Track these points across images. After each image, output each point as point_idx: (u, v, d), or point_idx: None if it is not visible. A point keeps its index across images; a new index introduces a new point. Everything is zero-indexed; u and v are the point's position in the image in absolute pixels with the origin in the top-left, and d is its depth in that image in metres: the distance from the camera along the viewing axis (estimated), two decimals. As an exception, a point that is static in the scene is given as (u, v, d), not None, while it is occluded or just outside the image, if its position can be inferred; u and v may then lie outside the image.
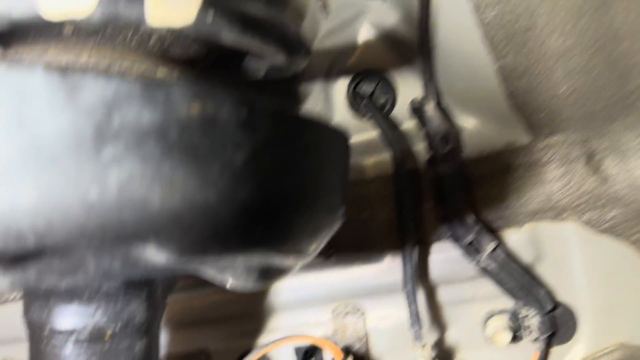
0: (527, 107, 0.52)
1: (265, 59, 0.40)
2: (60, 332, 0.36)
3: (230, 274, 0.37)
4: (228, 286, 0.39)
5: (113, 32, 0.36)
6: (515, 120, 0.55)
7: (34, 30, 0.30)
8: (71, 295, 0.37)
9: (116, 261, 0.30)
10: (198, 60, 0.45)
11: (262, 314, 0.62)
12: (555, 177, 0.55)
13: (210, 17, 0.28)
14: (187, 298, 0.61)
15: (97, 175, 0.23)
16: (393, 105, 0.60)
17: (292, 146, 0.30)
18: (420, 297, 0.58)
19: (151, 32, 0.37)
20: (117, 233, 0.25)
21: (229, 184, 0.27)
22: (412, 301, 0.55)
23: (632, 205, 0.52)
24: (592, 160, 0.53)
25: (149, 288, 0.40)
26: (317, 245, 0.37)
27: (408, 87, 0.60)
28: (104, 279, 0.35)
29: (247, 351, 0.57)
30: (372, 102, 0.60)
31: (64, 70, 0.23)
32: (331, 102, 0.62)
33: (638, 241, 0.53)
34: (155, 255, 0.27)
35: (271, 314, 0.62)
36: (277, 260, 0.35)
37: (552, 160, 0.55)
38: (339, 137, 0.36)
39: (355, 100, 0.61)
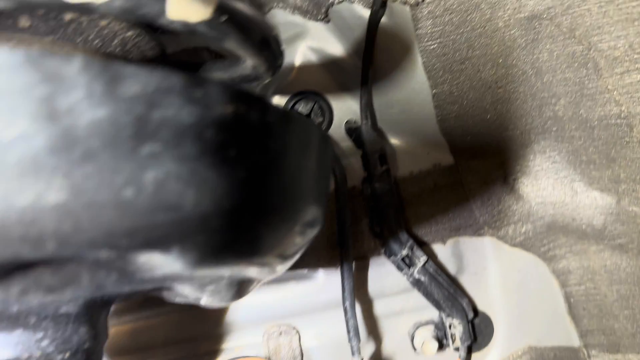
0: (455, 131, 0.57)
1: (238, 68, 0.40)
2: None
3: (212, 289, 0.35)
4: (202, 303, 0.37)
5: (75, 30, 0.34)
6: (442, 143, 0.59)
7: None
8: (15, 321, 0.33)
9: (112, 275, 0.28)
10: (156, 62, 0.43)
11: (193, 340, 0.59)
12: (476, 196, 0.61)
13: (224, 17, 0.28)
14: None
15: (134, 173, 0.22)
16: (330, 125, 0.62)
17: (300, 146, 0.30)
18: (357, 311, 0.60)
19: (115, 33, 0.35)
20: (146, 237, 0.23)
21: (255, 187, 0.26)
22: (351, 316, 0.56)
23: (542, 220, 0.59)
24: (508, 181, 0.60)
25: (102, 311, 0.37)
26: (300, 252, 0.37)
27: (344, 107, 0.62)
28: (76, 297, 0.31)
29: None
30: (309, 122, 0.61)
31: (106, 59, 0.21)
32: (266, 120, 0.62)
33: (546, 253, 0.60)
34: (169, 264, 0.26)
35: (204, 339, 0.59)
36: (261, 270, 0.34)
37: (474, 180, 0.61)
38: (324, 136, 0.36)
39: (291, 119, 0.62)
